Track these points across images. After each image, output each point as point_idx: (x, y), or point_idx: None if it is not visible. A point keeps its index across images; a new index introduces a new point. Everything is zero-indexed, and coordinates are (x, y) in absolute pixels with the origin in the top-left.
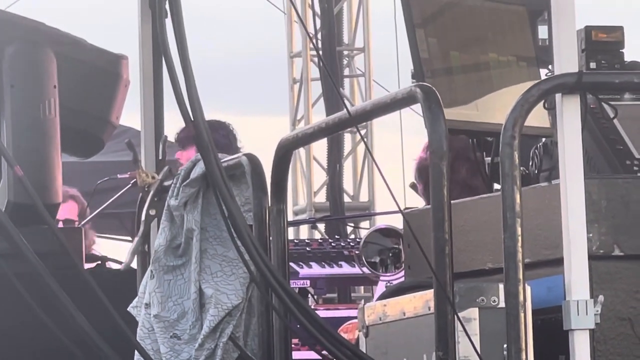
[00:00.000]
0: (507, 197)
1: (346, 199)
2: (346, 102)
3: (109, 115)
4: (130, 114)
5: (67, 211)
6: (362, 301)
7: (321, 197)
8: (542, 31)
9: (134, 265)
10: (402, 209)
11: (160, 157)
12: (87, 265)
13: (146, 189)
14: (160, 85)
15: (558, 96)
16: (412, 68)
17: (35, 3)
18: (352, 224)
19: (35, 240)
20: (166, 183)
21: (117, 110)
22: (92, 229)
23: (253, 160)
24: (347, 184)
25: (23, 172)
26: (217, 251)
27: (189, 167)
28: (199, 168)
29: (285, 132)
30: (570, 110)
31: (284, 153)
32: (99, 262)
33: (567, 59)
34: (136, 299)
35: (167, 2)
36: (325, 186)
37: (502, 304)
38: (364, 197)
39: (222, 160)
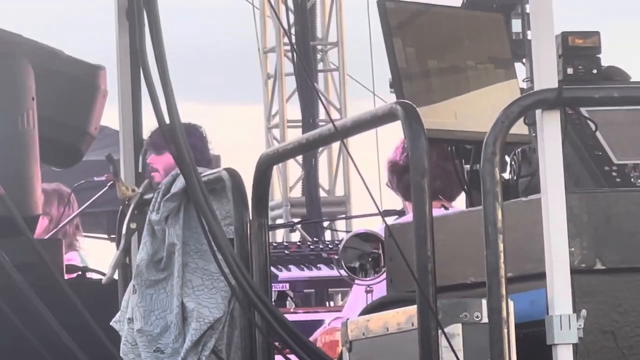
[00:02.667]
0: (489, 214)
1: (322, 193)
2: (322, 97)
3: (87, 126)
4: (106, 112)
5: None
6: (342, 300)
7: (297, 192)
8: (516, 25)
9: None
10: (380, 210)
11: (140, 170)
12: (67, 276)
13: (127, 202)
14: (139, 96)
15: (538, 112)
16: (390, 77)
17: (12, 16)
18: (329, 227)
19: (13, 253)
20: (147, 196)
21: (96, 121)
22: (77, 230)
23: (233, 174)
24: (323, 178)
25: (1, 186)
26: (198, 265)
27: (170, 181)
28: (180, 182)
29: (259, 121)
30: (550, 126)
31: (265, 168)
32: (79, 272)
33: (546, 74)
34: (119, 314)
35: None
36: (301, 181)
37: (485, 320)
38: (339, 191)
39: (202, 175)
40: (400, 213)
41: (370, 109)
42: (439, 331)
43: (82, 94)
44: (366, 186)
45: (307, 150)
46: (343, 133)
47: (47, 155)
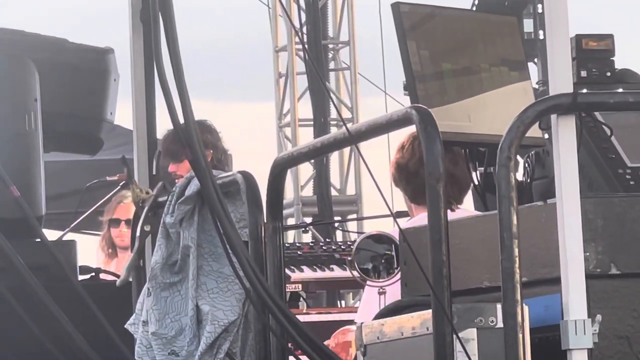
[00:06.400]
0: (504, 219)
1: (333, 192)
2: (334, 98)
3: (103, 114)
4: (117, 111)
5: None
6: (353, 300)
7: (308, 191)
8: (527, 25)
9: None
10: (392, 212)
11: (154, 173)
12: (80, 277)
13: (140, 205)
14: (153, 98)
15: (553, 117)
16: (403, 80)
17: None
18: (340, 227)
19: (27, 254)
20: (161, 199)
21: (111, 106)
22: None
23: (248, 177)
24: (334, 177)
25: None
26: (213, 267)
27: (184, 184)
28: (194, 185)
29: (270, 120)
30: (565, 131)
31: (279, 172)
32: (93, 273)
33: (561, 79)
34: (133, 316)
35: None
36: (313, 180)
37: (500, 324)
38: (351, 190)
39: (216, 178)
40: None
41: (385, 113)
42: (454, 336)
43: (93, 83)
44: (380, 191)
45: (322, 153)
46: (357, 137)
47: (69, 146)
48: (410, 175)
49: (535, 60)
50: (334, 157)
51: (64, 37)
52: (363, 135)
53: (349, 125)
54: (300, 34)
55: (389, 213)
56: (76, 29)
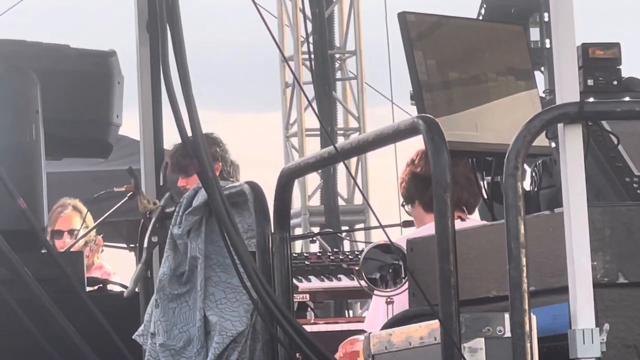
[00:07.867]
0: (512, 228)
1: (340, 202)
2: (339, 107)
3: (109, 117)
4: (124, 121)
5: (71, 221)
6: (361, 310)
7: (315, 201)
8: (534, 33)
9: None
10: (381, 224)
11: (161, 184)
12: (88, 288)
13: (148, 216)
14: (160, 109)
15: (560, 126)
16: (410, 89)
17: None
18: (348, 237)
19: (33, 266)
20: (168, 210)
21: (117, 109)
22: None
23: (255, 188)
24: (341, 186)
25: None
26: (221, 278)
27: (191, 194)
28: (201, 196)
29: (277, 130)
30: (572, 140)
31: (286, 182)
32: (100, 285)
33: (568, 88)
34: (142, 327)
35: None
36: (320, 190)
37: (508, 334)
38: (358, 200)
39: (224, 188)
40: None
41: (392, 123)
42: (462, 346)
43: (97, 87)
44: (368, 203)
45: (329, 164)
46: (364, 147)
47: (77, 151)
48: (426, 181)
49: (542, 68)
50: (341, 166)
51: (65, 42)
52: (370, 145)
53: (356, 135)
54: (306, 44)
55: (397, 223)
56: (77, 28)
